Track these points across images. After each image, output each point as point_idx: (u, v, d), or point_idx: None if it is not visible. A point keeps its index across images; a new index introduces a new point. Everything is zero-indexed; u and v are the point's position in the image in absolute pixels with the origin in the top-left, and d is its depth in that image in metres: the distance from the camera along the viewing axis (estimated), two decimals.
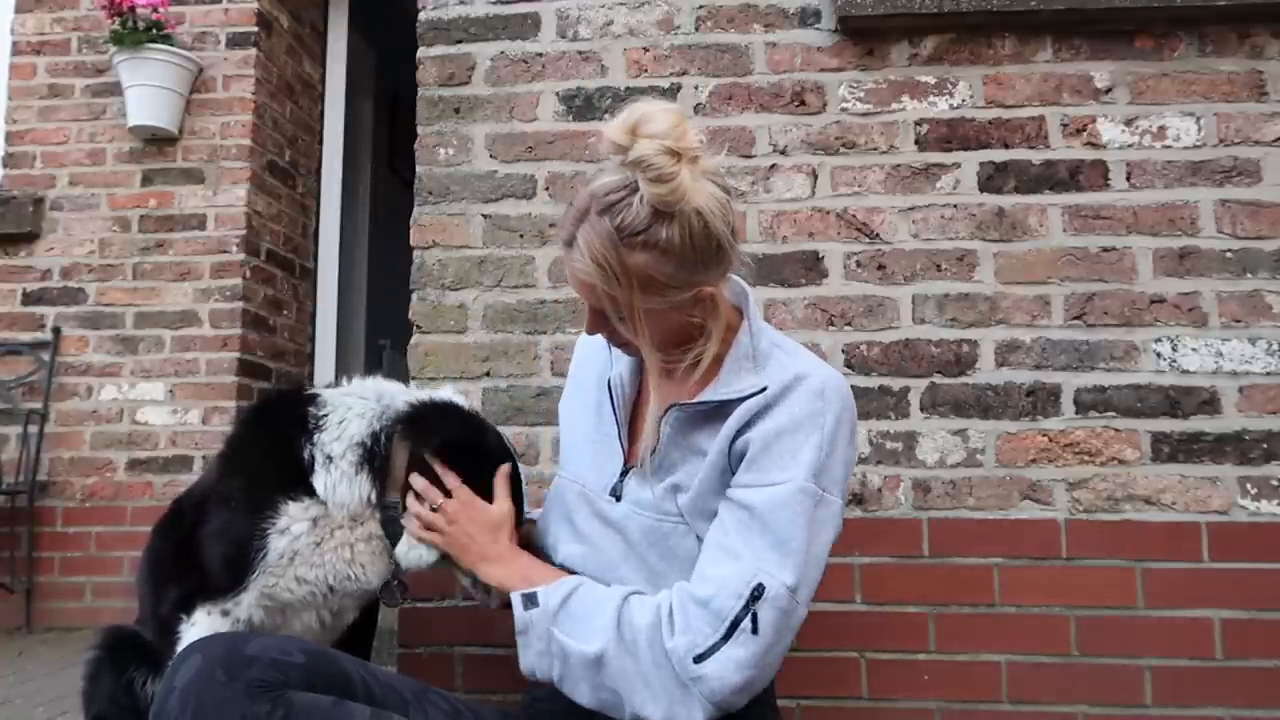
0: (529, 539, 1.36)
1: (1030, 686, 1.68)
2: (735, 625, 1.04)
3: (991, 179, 1.81)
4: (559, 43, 1.93)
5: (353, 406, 1.32)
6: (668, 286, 1.11)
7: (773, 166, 1.85)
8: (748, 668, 1.04)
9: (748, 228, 1.83)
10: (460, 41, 1.94)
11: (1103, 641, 1.68)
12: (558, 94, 1.91)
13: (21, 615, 2.95)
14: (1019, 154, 1.81)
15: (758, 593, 1.05)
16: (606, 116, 1.87)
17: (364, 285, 4.04)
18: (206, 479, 1.39)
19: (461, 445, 1.30)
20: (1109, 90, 1.82)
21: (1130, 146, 1.80)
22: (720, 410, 1.16)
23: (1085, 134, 1.81)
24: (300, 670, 1.05)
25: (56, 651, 2.67)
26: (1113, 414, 1.73)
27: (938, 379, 1.77)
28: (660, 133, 1.06)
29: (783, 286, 1.82)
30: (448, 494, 1.27)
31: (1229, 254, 1.75)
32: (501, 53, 1.93)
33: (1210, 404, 1.72)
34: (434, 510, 1.27)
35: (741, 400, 1.14)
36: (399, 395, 1.35)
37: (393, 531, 1.30)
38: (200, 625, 1.25)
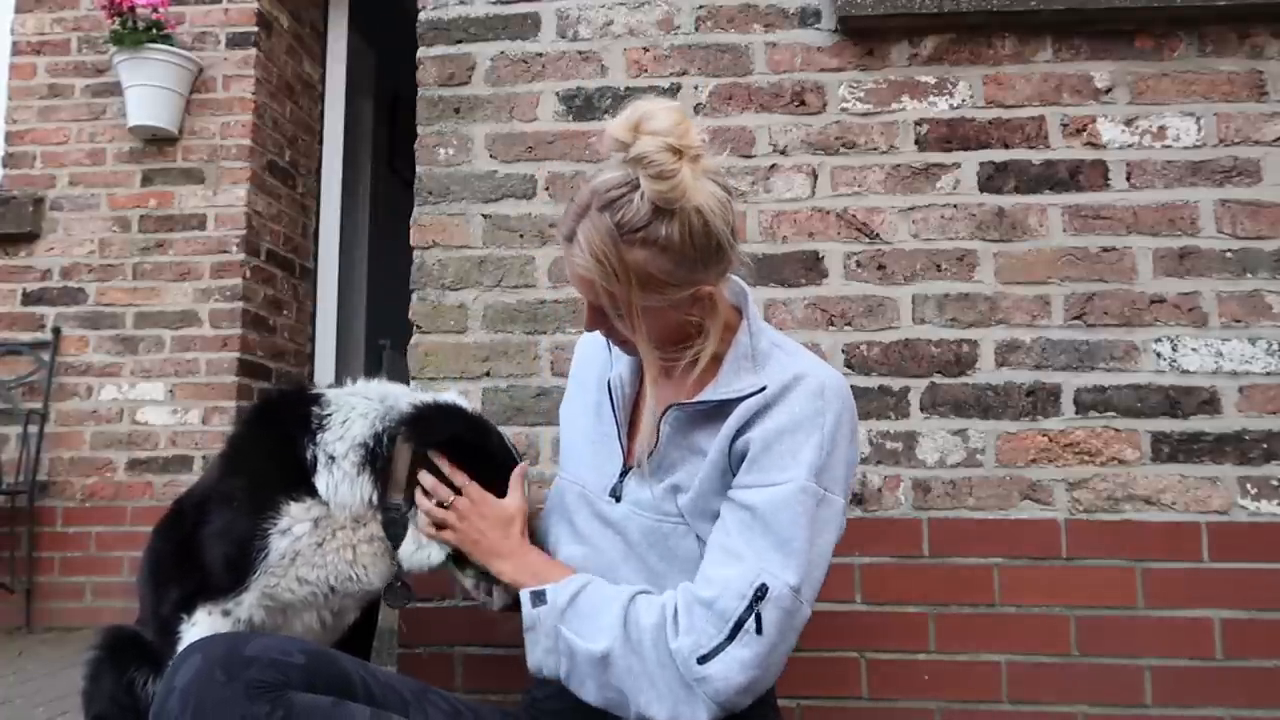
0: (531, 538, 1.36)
1: (1030, 686, 1.68)
2: (739, 626, 1.04)
3: (991, 179, 1.81)
4: (559, 43, 1.93)
5: (356, 407, 1.32)
6: (666, 284, 1.11)
7: (773, 166, 1.85)
8: (752, 668, 1.04)
9: (748, 228, 1.83)
10: (460, 41, 1.94)
11: (1103, 641, 1.68)
12: (558, 94, 1.91)
13: (21, 615, 2.95)
14: (1019, 154, 1.81)
15: (761, 593, 1.05)
16: (606, 116, 1.87)
17: (364, 285, 4.04)
18: (208, 479, 1.39)
19: (465, 444, 1.31)
20: (1109, 90, 1.82)
21: (1130, 146, 1.80)
22: (720, 410, 1.16)
23: (1085, 134, 1.81)
24: (300, 671, 1.05)
25: (56, 651, 2.67)
26: (1113, 414, 1.73)
27: (938, 379, 1.77)
28: (662, 130, 1.06)
29: (783, 286, 1.82)
30: (457, 492, 1.27)
31: (1229, 254, 1.75)
32: (501, 53, 1.93)
33: (1210, 404, 1.72)
34: (444, 507, 1.27)
35: (741, 400, 1.14)
36: (403, 397, 1.35)
37: (395, 533, 1.30)
38: (201, 625, 1.25)
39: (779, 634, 1.05)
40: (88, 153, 3.19)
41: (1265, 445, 1.70)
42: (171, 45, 3.07)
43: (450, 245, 1.89)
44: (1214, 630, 1.66)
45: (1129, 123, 1.80)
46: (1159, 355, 1.74)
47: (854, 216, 1.83)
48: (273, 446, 1.32)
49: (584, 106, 1.90)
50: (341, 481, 1.26)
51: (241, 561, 1.24)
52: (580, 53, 1.92)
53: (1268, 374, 1.72)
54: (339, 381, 1.41)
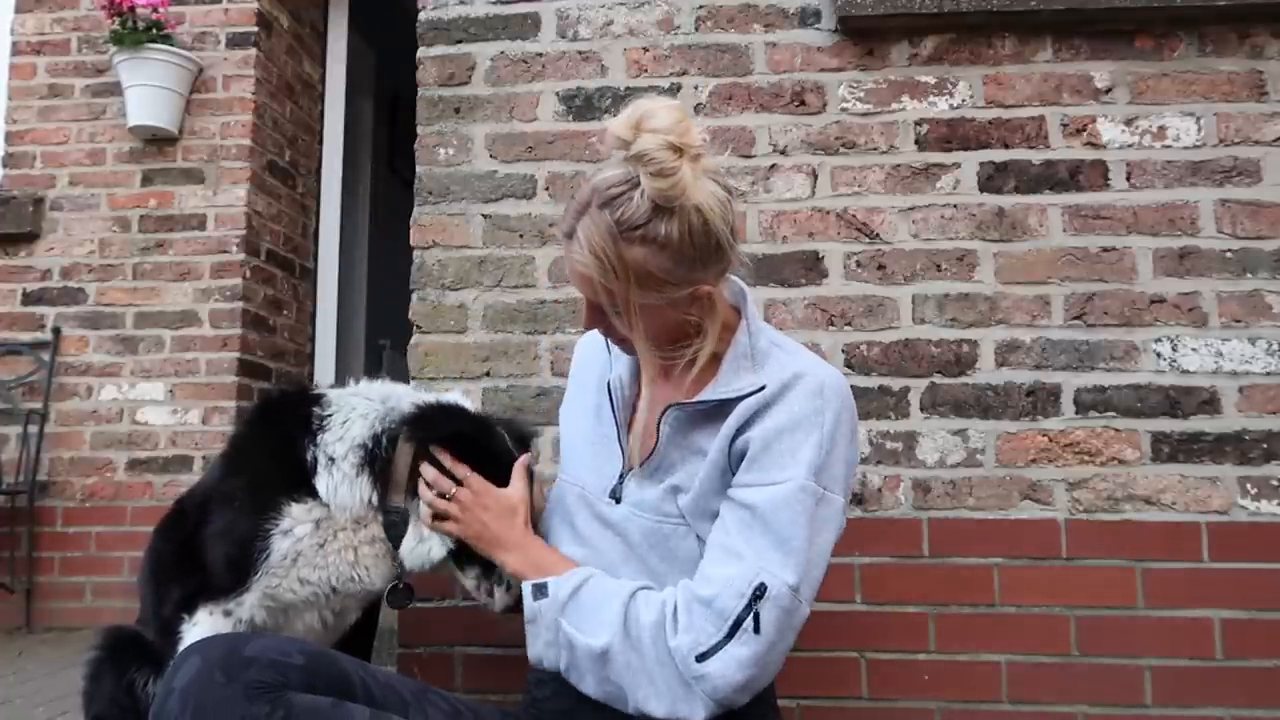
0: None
1: (1030, 686, 1.68)
2: (738, 624, 1.05)
3: (991, 179, 1.81)
4: (559, 43, 1.93)
5: (356, 407, 1.31)
6: (665, 283, 1.11)
7: (773, 166, 1.85)
8: (750, 666, 1.05)
9: (748, 228, 1.83)
10: (460, 41, 1.94)
11: (1103, 641, 1.68)
12: (558, 94, 1.91)
13: (21, 615, 2.95)
14: (1019, 154, 1.81)
15: (760, 592, 1.05)
16: (606, 116, 1.87)
17: (364, 285, 4.04)
18: (210, 479, 1.39)
19: (467, 438, 1.31)
20: (1109, 90, 1.82)
21: (1130, 146, 1.80)
22: (720, 410, 1.16)
23: (1085, 134, 1.81)
24: (300, 671, 1.05)
25: (56, 651, 2.67)
26: (1113, 414, 1.73)
27: (938, 379, 1.77)
28: (664, 128, 1.06)
29: (783, 286, 1.82)
30: (459, 484, 1.27)
31: (1229, 254, 1.75)
32: (501, 53, 1.93)
33: (1210, 404, 1.72)
34: (447, 500, 1.27)
35: (740, 399, 1.14)
36: (405, 398, 1.35)
37: (396, 535, 1.30)
38: (202, 625, 1.25)
39: (777, 633, 1.05)
40: (88, 153, 3.19)
41: (1265, 445, 1.70)
42: (171, 45, 3.07)
43: (450, 245, 1.89)
44: (1214, 630, 1.66)
45: (1129, 123, 1.80)
46: (1159, 355, 1.74)
47: (854, 216, 1.83)
48: (274, 447, 1.32)
49: (584, 106, 1.90)
50: (341, 483, 1.26)
51: (243, 562, 1.24)
52: (580, 53, 1.92)
53: (1268, 374, 1.72)
54: (340, 382, 1.41)
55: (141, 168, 3.17)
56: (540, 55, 1.92)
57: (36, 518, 3.00)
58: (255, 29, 3.20)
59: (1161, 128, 1.80)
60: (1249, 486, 1.69)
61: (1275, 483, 1.69)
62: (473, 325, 1.87)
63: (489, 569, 1.29)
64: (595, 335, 1.36)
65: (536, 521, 1.34)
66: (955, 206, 1.81)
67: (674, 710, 1.07)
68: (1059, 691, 1.67)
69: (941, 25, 1.84)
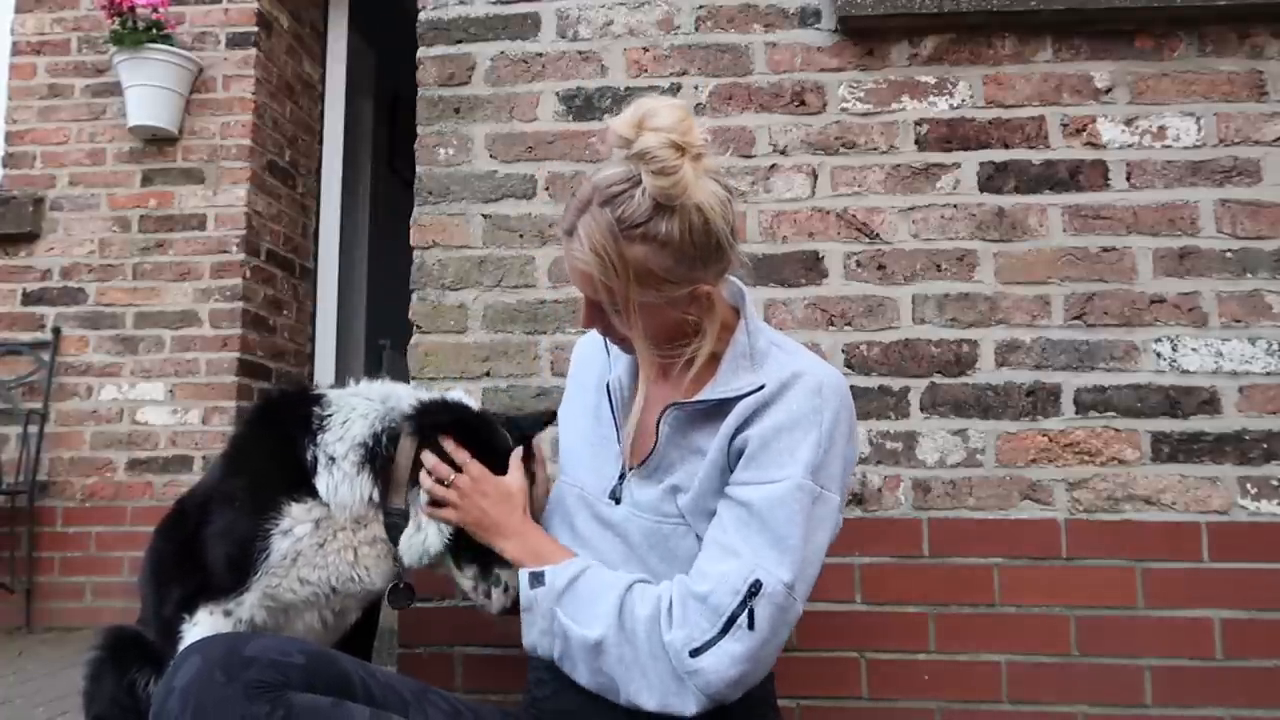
0: None
1: (1030, 686, 1.68)
2: (732, 621, 1.05)
3: (991, 179, 1.81)
4: (559, 43, 1.93)
5: (356, 407, 1.31)
6: (665, 281, 1.11)
7: (773, 166, 1.85)
8: (743, 662, 1.05)
9: (748, 228, 1.83)
10: (460, 41, 1.94)
11: (1103, 641, 1.68)
12: (558, 94, 1.91)
13: (21, 615, 2.95)
14: (1019, 154, 1.81)
15: (755, 589, 1.05)
16: (606, 116, 1.87)
17: (364, 285, 4.04)
18: (210, 479, 1.39)
19: (468, 428, 1.31)
20: (1109, 90, 1.82)
21: (1130, 146, 1.80)
22: (719, 409, 1.16)
23: (1085, 134, 1.81)
24: (300, 671, 1.05)
25: (56, 651, 2.67)
26: (1113, 414, 1.73)
27: (938, 379, 1.77)
28: (666, 126, 1.07)
29: (783, 286, 1.82)
30: (458, 471, 1.28)
31: (1229, 254, 1.75)
32: (501, 53, 1.93)
33: (1210, 404, 1.72)
34: (446, 487, 1.27)
35: (740, 398, 1.14)
36: (405, 397, 1.35)
37: (397, 536, 1.29)
38: (202, 625, 1.25)
39: (771, 629, 1.06)
40: (88, 153, 3.19)
41: (1265, 445, 1.70)
42: (171, 45, 3.07)
43: (450, 245, 1.89)
44: (1214, 630, 1.66)
45: (1129, 123, 1.80)
46: (1159, 355, 1.74)
47: (854, 216, 1.83)
48: (274, 447, 1.32)
49: (584, 106, 1.90)
50: (341, 482, 1.26)
51: (243, 562, 1.24)
52: (580, 53, 1.92)
53: (1268, 374, 1.72)
54: (340, 382, 1.41)
55: (141, 168, 3.17)
56: (540, 55, 1.92)
57: (36, 518, 3.00)
58: (255, 29, 3.20)
59: (1161, 128, 1.80)
60: (1249, 486, 1.69)
61: (1275, 483, 1.69)
62: (473, 325, 1.87)
63: (486, 570, 1.29)
64: (594, 336, 1.36)
65: (537, 520, 1.34)
66: (955, 206, 1.81)
67: (665, 704, 1.07)
68: (1059, 691, 1.67)
69: (941, 25, 1.84)
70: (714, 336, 1.17)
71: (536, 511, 1.34)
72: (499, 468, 1.29)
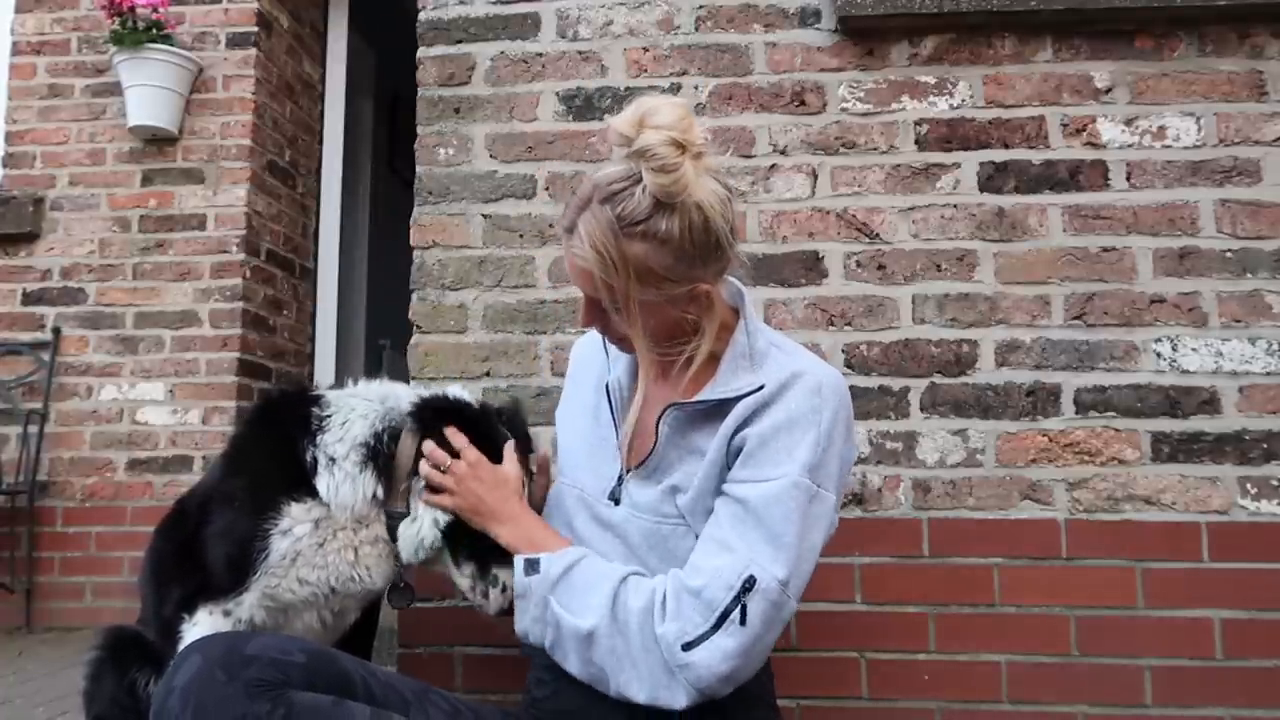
0: None
1: (1030, 686, 1.68)
2: (725, 616, 1.05)
3: (991, 179, 1.81)
4: (559, 43, 1.93)
5: (356, 408, 1.31)
6: (665, 279, 1.12)
7: (773, 166, 1.85)
8: (734, 657, 1.05)
9: (748, 228, 1.83)
10: (460, 41, 1.94)
11: (1103, 641, 1.68)
12: (558, 94, 1.91)
13: (21, 615, 2.95)
14: (1019, 154, 1.81)
15: (749, 584, 1.06)
16: (606, 116, 1.87)
17: (364, 285, 4.04)
18: (210, 479, 1.39)
19: (467, 418, 1.32)
20: (1109, 90, 1.82)
21: (1130, 146, 1.80)
22: (718, 409, 1.16)
23: (1085, 134, 1.81)
24: (301, 670, 1.05)
25: (56, 651, 2.67)
26: (1113, 414, 1.73)
27: (938, 379, 1.77)
28: (666, 124, 1.07)
29: (783, 286, 1.82)
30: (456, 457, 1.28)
31: (1229, 254, 1.75)
32: (501, 53, 1.93)
33: (1210, 404, 1.72)
34: (443, 474, 1.27)
35: (740, 399, 1.14)
36: (404, 397, 1.35)
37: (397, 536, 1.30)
38: (202, 625, 1.25)
39: (764, 626, 1.06)
40: (88, 153, 3.19)
41: (1265, 445, 1.70)
42: (171, 45, 3.07)
43: (450, 245, 1.89)
44: (1214, 630, 1.66)
45: (1129, 123, 1.80)
46: (1159, 355, 1.74)
47: (854, 216, 1.83)
48: (274, 447, 1.32)
49: (584, 106, 1.90)
50: (343, 482, 1.26)
51: (242, 561, 1.24)
52: (580, 53, 1.92)
53: (1268, 374, 1.72)
54: (339, 381, 1.41)
55: (141, 168, 3.17)
56: (540, 55, 1.92)
57: (36, 518, 3.00)
58: (255, 29, 3.20)
59: (1161, 128, 1.80)
60: (1249, 486, 1.69)
61: (1275, 483, 1.69)
62: (473, 325, 1.87)
63: (484, 569, 1.28)
64: (593, 336, 1.36)
65: None
66: (955, 206, 1.81)
67: (655, 696, 1.07)
68: (1059, 691, 1.67)
69: (941, 25, 1.84)
70: (713, 336, 1.17)
71: (534, 507, 1.34)
72: (497, 457, 1.30)
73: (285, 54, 3.43)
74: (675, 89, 1.89)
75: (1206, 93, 1.80)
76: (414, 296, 1.89)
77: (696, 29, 1.90)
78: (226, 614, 1.26)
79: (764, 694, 1.28)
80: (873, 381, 1.78)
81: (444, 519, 1.27)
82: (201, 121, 3.18)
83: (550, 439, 1.79)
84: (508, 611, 1.26)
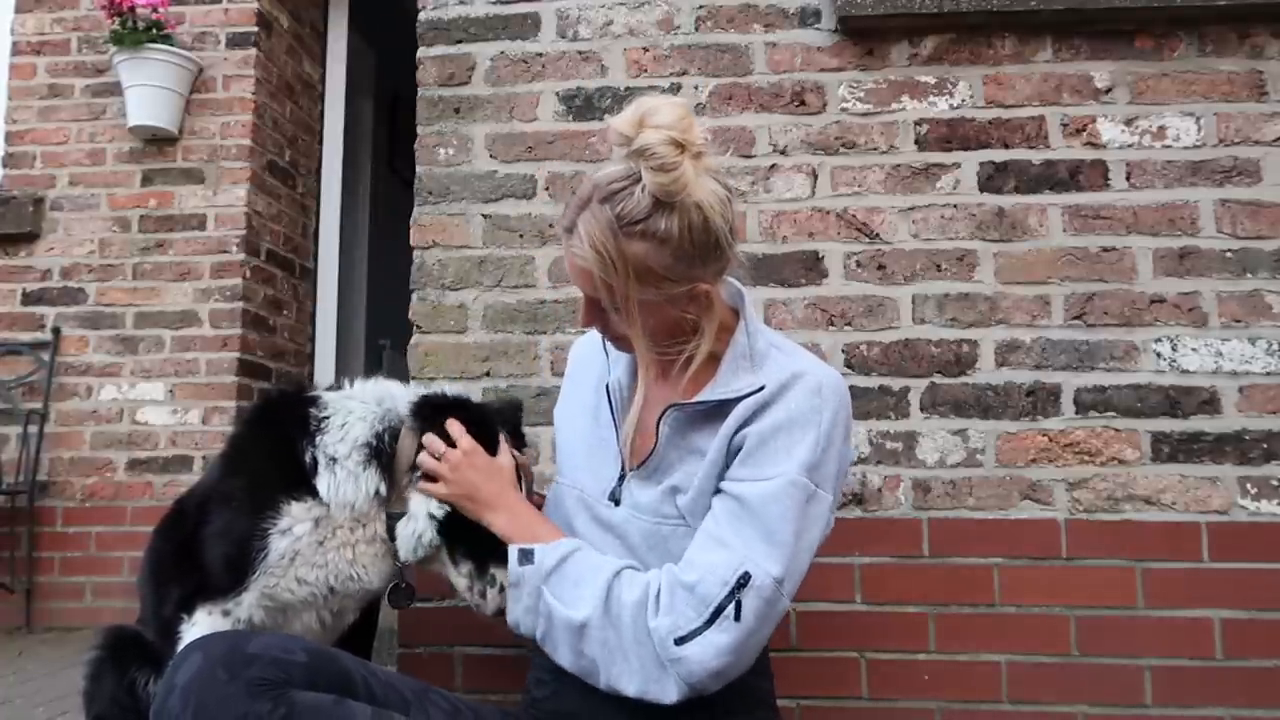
0: None
1: (1030, 686, 1.68)
2: (719, 611, 1.05)
3: (991, 179, 1.81)
4: (559, 43, 1.93)
5: (354, 410, 1.32)
6: (664, 279, 1.12)
7: (773, 166, 1.85)
8: (727, 653, 1.05)
9: (748, 228, 1.83)
10: (460, 41, 1.95)
11: (1103, 641, 1.68)
12: (558, 94, 1.91)
13: (21, 615, 2.95)
14: (1019, 154, 1.81)
15: (743, 581, 1.06)
16: (606, 116, 1.87)
17: (364, 285, 4.04)
18: (209, 479, 1.39)
19: (464, 412, 1.32)
20: (1109, 90, 1.82)
21: (1130, 146, 1.80)
22: (719, 410, 1.16)
23: (1085, 134, 1.81)
24: (302, 669, 1.05)
25: (56, 651, 2.67)
26: (1113, 414, 1.73)
27: (938, 379, 1.77)
28: (666, 124, 1.07)
29: (783, 286, 1.82)
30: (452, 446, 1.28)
31: (1229, 254, 1.75)
32: (501, 53, 1.94)
33: (1210, 404, 1.72)
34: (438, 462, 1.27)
35: (740, 399, 1.14)
36: (400, 397, 1.35)
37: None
38: (201, 625, 1.25)
39: (757, 622, 1.06)
40: (88, 153, 3.19)
41: (1265, 445, 1.70)
42: (171, 45, 3.07)
43: (450, 245, 1.89)
44: (1214, 630, 1.66)
45: (1129, 123, 1.80)
46: (1159, 355, 1.74)
47: (854, 216, 1.83)
48: (273, 447, 1.32)
49: (584, 106, 1.90)
50: (345, 480, 1.26)
51: (241, 561, 1.24)
52: (580, 53, 1.92)
53: (1268, 374, 1.72)
54: (337, 381, 1.41)
55: (141, 168, 3.17)
56: (540, 55, 1.93)
57: (36, 518, 3.00)
58: (255, 29, 3.20)
59: (1161, 128, 1.80)
60: (1249, 486, 1.69)
61: (1275, 483, 1.69)
62: (473, 325, 1.87)
63: (482, 569, 1.28)
64: (592, 336, 1.36)
65: None
66: (955, 206, 1.81)
67: (646, 690, 1.08)
68: (1059, 691, 1.67)
69: (941, 25, 1.84)
70: (712, 336, 1.17)
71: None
72: (493, 449, 1.30)
73: (285, 54, 3.43)
74: (675, 89, 1.89)
75: (1206, 93, 1.80)
76: (414, 296, 1.89)
77: (696, 29, 1.90)
78: (225, 614, 1.26)
79: (764, 694, 1.28)
80: (873, 381, 1.78)
81: (439, 511, 1.27)
82: (201, 121, 3.18)
83: (552, 438, 1.80)
84: (504, 612, 1.26)
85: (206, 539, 1.28)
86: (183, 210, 3.14)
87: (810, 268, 1.82)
